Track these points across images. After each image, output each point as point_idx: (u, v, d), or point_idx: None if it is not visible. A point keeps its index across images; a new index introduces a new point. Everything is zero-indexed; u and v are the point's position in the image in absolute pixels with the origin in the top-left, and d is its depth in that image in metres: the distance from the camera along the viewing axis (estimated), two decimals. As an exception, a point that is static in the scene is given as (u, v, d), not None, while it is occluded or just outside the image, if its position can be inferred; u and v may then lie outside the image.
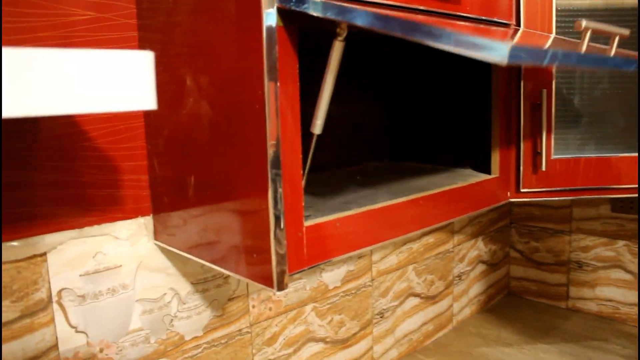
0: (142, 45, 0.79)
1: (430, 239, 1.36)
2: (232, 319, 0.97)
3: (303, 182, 0.66)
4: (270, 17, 0.56)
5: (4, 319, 0.72)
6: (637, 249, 1.41)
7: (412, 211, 0.81)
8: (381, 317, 1.27)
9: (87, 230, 0.78)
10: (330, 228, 0.68)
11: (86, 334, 0.80)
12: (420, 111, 1.17)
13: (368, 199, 0.82)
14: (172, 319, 0.89)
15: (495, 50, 0.45)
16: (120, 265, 0.82)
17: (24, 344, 0.74)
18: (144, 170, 0.83)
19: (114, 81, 0.42)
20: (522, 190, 1.02)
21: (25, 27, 0.70)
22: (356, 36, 0.72)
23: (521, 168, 1.01)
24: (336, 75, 0.64)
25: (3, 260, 0.71)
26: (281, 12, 0.58)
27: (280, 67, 0.59)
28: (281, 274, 0.59)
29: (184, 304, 0.90)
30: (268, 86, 0.56)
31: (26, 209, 0.72)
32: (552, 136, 1.01)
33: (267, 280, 0.60)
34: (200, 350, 0.93)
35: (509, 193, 1.03)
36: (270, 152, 0.57)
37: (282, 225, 0.59)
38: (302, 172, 0.65)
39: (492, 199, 0.99)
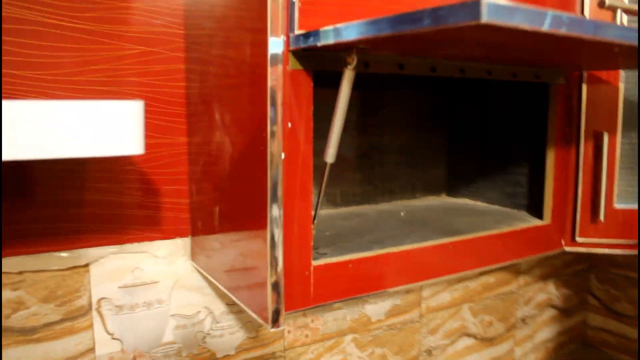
0: (187, 77, 0.86)
1: (490, 279, 1.32)
2: (266, 342, 1.02)
3: (314, 221, 0.69)
4: (274, 59, 0.59)
5: (48, 320, 0.82)
6: None
7: (439, 256, 0.81)
8: (429, 354, 1.26)
9: (127, 247, 0.86)
10: (341, 269, 0.71)
11: (121, 342, 0.88)
12: (479, 146, 1.15)
13: (397, 239, 0.83)
14: (204, 336, 0.96)
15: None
16: (157, 282, 0.90)
17: (64, 344, 0.83)
18: (185, 195, 0.90)
19: (105, 129, 0.48)
20: (577, 239, 0.98)
21: (80, 61, 0.79)
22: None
23: (578, 215, 0.97)
24: (347, 104, 0.66)
25: (51, 268, 0.81)
26: (294, 53, 0.62)
27: (289, 110, 0.63)
28: (276, 313, 0.63)
29: (218, 322, 0.96)
30: (271, 129, 0.60)
31: (74, 224, 0.82)
32: (615, 183, 0.96)
33: (263, 317, 0.64)
34: (231, 368, 0.99)
35: (563, 241, 0.98)
36: (270, 194, 0.61)
37: (278, 268, 0.62)
38: (312, 212, 0.68)
39: (541, 246, 0.96)
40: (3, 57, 0.74)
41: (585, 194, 0.96)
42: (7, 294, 0.78)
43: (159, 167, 0.87)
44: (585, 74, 0.94)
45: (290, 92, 0.63)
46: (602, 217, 0.94)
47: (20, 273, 0.79)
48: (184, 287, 0.92)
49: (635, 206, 0.96)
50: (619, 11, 0.70)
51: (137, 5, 0.82)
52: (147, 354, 0.90)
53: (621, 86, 0.92)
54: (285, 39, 0.62)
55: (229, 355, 0.98)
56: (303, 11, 0.62)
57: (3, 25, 0.73)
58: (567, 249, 0.98)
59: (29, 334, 0.81)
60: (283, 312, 0.63)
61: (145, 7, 0.82)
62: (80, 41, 0.79)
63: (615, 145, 0.94)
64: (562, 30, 0.47)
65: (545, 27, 0.47)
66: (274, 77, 0.58)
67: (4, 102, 0.44)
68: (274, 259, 0.62)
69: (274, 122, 0.59)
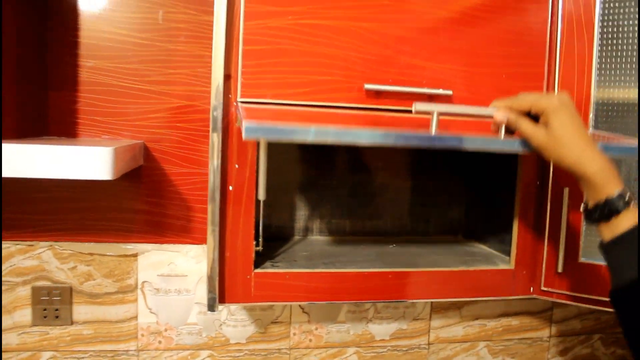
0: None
1: (513, 321, 1.45)
2: (273, 339, 1.33)
3: (258, 241, 1.00)
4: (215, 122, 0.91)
5: (107, 291, 1.24)
6: None
7: (375, 282, 1.04)
8: (439, 381, 1.44)
9: (166, 246, 1.25)
10: (278, 278, 0.99)
11: (157, 316, 1.27)
12: (486, 192, 1.32)
13: (352, 263, 1.08)
14: (221, 324, 1.30)
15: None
16: (186, 275, 1.27)
17: (117, 310, 1.25)
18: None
19: (87, 162, 0.85)
20: (543, 288, 1.12)
21: (141, 110, 1.20)
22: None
23: (543, 266, 1.12)
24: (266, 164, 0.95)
25: (111, 254, 1.23)
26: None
27: (236, 155, 0.95)
28: (211, 300, 0.95)
29: (233, 315, 1.30)
30: (214, 175, 0.92)
31: (131, 225, 1.23)
32: (582, 238, 1.09)
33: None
34: (242, 354, 1.32)
35: (532, 288, 1.14)
36: (210, 217, 0.93)
37: (216, 269, 0.94)
38: (254, 233, 0.98)
39: (503, 290, 1.13)
40: (90, 109, 1.18)
41: (550, 246, 1.11)
42: (81, 267, 1.22)
43: (192, 190, 1.24)
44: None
45: (236, 142, 0.95)
46: (560, 269, 1.08)
47: (90, 254, 1.22)
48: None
49: (601, 262, 1.08)
50: (434, 115, 0.83)
51: (181, 71, 1.21)
52: (175, 329, 1.28)
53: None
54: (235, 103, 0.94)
55: (240, 343, 1.32)
56: (244, 84, 0.93)
57: (92, 87, 1.17)
58: (534, 296, 1.13)
59: (94, 297, 1.24)
60: (217, 301, 0.95)
61: (188, 73, 1.21)
62: (140, 97, 1.20)
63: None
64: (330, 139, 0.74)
65: (311, 138, 0.73)
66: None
67: (40, 145, 0.83)
68: (212, 262, 0.94)
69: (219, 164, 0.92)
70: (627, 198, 0.73)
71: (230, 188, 0.94)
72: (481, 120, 0.95)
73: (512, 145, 0.83)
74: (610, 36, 1.06)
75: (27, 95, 1.06)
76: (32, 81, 1.10)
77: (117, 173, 0.89)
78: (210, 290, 0.94)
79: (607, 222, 0.75)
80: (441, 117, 0.81)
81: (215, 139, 0.92)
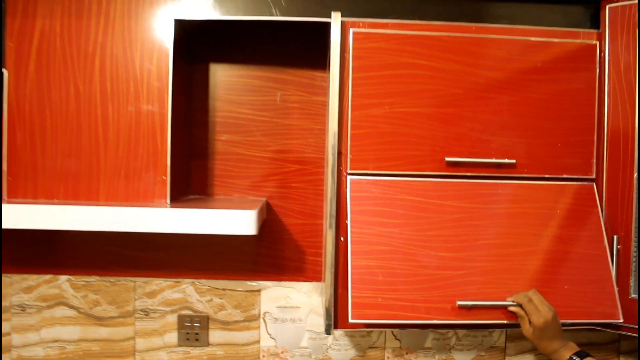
0: (324, 183, 1.61)
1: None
2: (371, 361, 1.68)
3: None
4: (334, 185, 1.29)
5: (236, 319, 1.63)
6: None
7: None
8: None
9: (283, 283, 1.63)
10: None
11: (275, 340, 1.64)
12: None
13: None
14: (327, 348, 1.66)
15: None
16: (299, 307, 1.64)
17: (243, 335, 1.63)
18: (319, 263, 1.63)
19: (239, 221, 1.23)
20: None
21: (263, 174, 1.60)
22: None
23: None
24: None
25: (240, 289, 1.62)
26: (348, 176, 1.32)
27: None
28: (328, 326, 1.30)
29: (337, 340, 1.66)
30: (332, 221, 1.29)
31: (255, 266, 1.61)
32: (630, 277, 1.37)
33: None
34: (344, 374, 1.67)
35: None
36: (328, 260, 1.30)
37: (332, 302, 1.30)
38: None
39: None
40: (223, 173, 1.59)
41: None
42: (215, 300, 1.61)
43: (304, 237, 1.62)
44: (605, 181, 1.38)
45: (346, 206, 1.31)
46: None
47: (223, 289, 1.61)
48: (316, 313, 1.64)
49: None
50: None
51: (296, 141, 1.59)
52: (289, 352, 1.65)
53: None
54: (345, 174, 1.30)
55: (343, 364, 1.67)
56: (352, 159, 1.30)
57: (225, 156, 1.58)
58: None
59: (225, 324, 1.63)
60: (332, 327, 1.31)
61: (301, 142, 1.60)
62: (263, 163, 1.59)
63: (630, 244, 1.36)
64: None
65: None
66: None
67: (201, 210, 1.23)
68: (328, 296, 1.30)
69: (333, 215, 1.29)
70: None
71: (342, 239, 1.30)
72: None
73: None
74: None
75: (179, 163, 1.46)
76: (183, 153, 1.51)
77: (258, 229, 1.27)
78: (327, 318, 1.31)
79: None
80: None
81: (330, 203, 1.29)
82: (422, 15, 1.33)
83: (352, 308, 1.24)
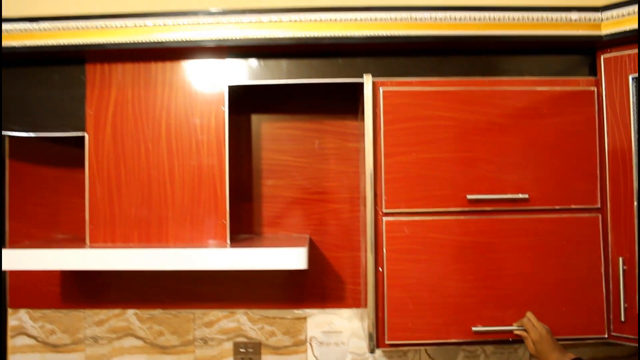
0: (359, 219, 1.85)
1: (601, 363, 1.93)
2: (408, 378, 1.90)
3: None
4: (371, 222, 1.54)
5: (285, 344, 1.86)
6: None
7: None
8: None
9: (327, 310, 1.86)
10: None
11: (321, 363, 1.87)
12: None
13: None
14: (368, 368, 1.89)
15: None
16: (342, 332, 1.87)
17: (292, 358, 1.85)
18: (359, 284, 1.87)
19: (292, 257, 1.47)
20: (612, 333, 1.62)
21: (303, 215, 1.85)
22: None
23: (611, 316, 1.62)
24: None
25: (288, 317, 1.86)
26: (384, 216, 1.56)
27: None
28: (372, 345, 1.53)
29: (376, 361, 1.89)
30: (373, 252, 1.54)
31: (301, 295, 1.85)
32: (637, 294, 1.59)
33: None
34: (385, 391, 1.89)
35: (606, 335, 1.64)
36: (370, 288, 1.54)
37: (374, 325, 1.53)
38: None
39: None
40: (270, 214, 1.84)
41: (615, 301, 1.62)
42: (267, 327, 1.85)
43: (344, 268, 1.85)
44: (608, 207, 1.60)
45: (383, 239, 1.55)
46: (622, 318, 1.59)
47: (273, 317, 1.85)
48: (357, 336, 1.87)
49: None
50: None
51: (332, 184, 1.84)
52: (335, 372, 1.88)
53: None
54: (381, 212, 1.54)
55: (383, 383, 1.89)
56: (387, 200, 1.54)
57: (270, 198, 1.84)
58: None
59: (276, 349, 1.86)
60: (375, 346, 1.54)
61: (337, 184, 1.84)
62: (304, 203, 1.84)
63: (635, 265, 1.58)
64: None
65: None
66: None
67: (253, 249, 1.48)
68: (371, 320, 1.54)
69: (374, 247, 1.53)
70: None
71: (380, 269, 1.54)
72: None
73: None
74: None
75: (232, 207, 1.70)
76: (235, 197, 1.77)
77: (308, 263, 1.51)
78: (371, 340, 1.54)
79: None
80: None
81: (369, 240, 1.53)
82: (441, 71, 1.58)
83: (387, 331, 1.49)
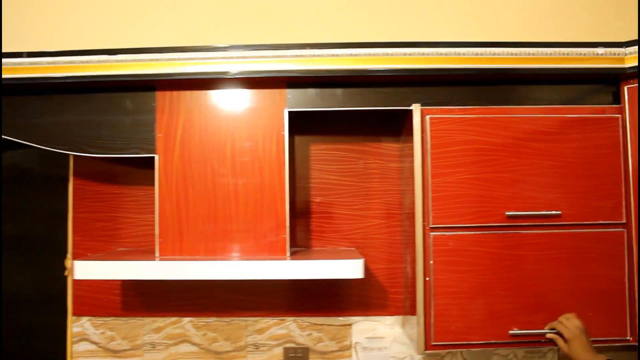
0: (402, 234, 2.05)
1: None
2: (445, 381, 2.09)
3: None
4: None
5: (331, 349, 2.06)
6: None
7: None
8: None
9: (370, 317, 2.05)
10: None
11: (365, 366, 2.07)
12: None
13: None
14: (408, 371, 2.08)
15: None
16: (384, 337, 2.06)
17: (339, 363, 2.06)
18: (400, 294, 2.07)
19: (350, 268, 1.67)
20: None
21: (347, 229, 2.05)
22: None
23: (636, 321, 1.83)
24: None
25: (335, 324, 2.05)
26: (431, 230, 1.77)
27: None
28: (420, 348, 1.73)
29: (416, 364, 2.08)
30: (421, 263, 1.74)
31: (346, 304, 2.05)
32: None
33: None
34: (423, 393, 2.08)
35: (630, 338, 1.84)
36: (419, 296, 1.74)
37: (422, 330, 1.73)
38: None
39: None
40: (318, 228, 2.04)
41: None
42: (314, 333, 2.04)
43: (386, 279, 2.05)
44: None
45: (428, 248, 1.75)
46: (645, 324, 1.79)
47: (321, 325, 2.04)
48: (398, 342, 2.07)
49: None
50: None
51: (376, 201, 2.05)
52: (377, 375, 2.07)
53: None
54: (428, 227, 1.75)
55: (422, 385, 2.09)
56: (434, 216, 1.74)
57: (319, 214, 2.04)
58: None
59: (323, 354, 2.05)
60: (423, 349, 1.73)
61: (380, 201, 2.05)
62: (350, 219, 2.04)
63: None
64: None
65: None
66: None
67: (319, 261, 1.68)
68: (421, 325, 1.73)
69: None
70: None
71: (427, 279, 1.74)
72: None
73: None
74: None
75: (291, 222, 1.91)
76: (291, 214, 1.97)
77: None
78: (419, 343, 1.74)
79: None
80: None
81: (418, 252, 1.73)
82: (480, 99, 1.78)
83: (434, 334, 1.68)
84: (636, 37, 1.73)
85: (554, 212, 1.72)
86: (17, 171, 2.19)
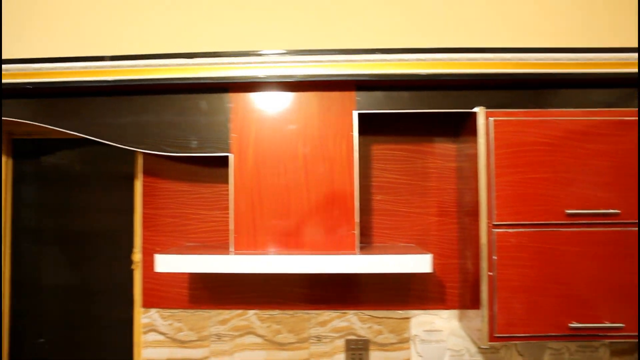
0: (459, 232, 2.17)
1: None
2: (499, 373, 2.21)
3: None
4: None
5: (391, 341, 2.18)
6: None
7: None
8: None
9: (429, 311, 2.16)
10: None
11: (423, 358, 2.19)
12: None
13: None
14: (464, 363, 2.20)
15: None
16: (442, 330, 2.18)
17: (397, 354, 2.16)
18: (456, 288, 2.18)
19: (420, 263, 1.79)
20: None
21: (405, 227, 2.17)
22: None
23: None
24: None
25: (394, 317, 2.18)
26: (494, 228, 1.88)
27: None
28: (483, 340, 1.85)
29: (472, 357, 2.20)
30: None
31: (406, 298, 2.17)
32: None
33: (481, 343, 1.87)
34: (479, 384, 2.20)
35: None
36: (483, 291, 1.85)
37: (486, 323, 1.84)
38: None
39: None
40: (380, 225, 2.16)
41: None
42: (375, 326, 2.16)
43: (444, 274, 2.17)
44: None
45: (493, 246, 1.87)
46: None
47: (380, 318, 2.17)
48: (455, 335, 2.18)
49: None
50: None
51: (433, 199, 2.16)
52: (435, 366, 2.19)
53: None
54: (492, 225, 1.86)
55: (478, 376, 2.20)
56: (497, 214, 1.86)
57: (380, 212, 2.16)
58: None
59: (383, 346, 2.17)
60: (487, 341, 1.85)
61: (437, 200, 2.16)
62: (409, 216, 2.16)
63: None
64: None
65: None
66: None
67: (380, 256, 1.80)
68: (486, 318, 1.85)
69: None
70: None
71: (490, 273, 1.86)
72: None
73: None
74: None
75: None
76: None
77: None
78: (483, 335, 1.85)
79: None
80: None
81: (483, 248, 1.85)
82: (538, 102, 1.90)
83: (497, 326, 1.79)
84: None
85: (612, 210, 1.82)
86: (84, 169, 2.32)
